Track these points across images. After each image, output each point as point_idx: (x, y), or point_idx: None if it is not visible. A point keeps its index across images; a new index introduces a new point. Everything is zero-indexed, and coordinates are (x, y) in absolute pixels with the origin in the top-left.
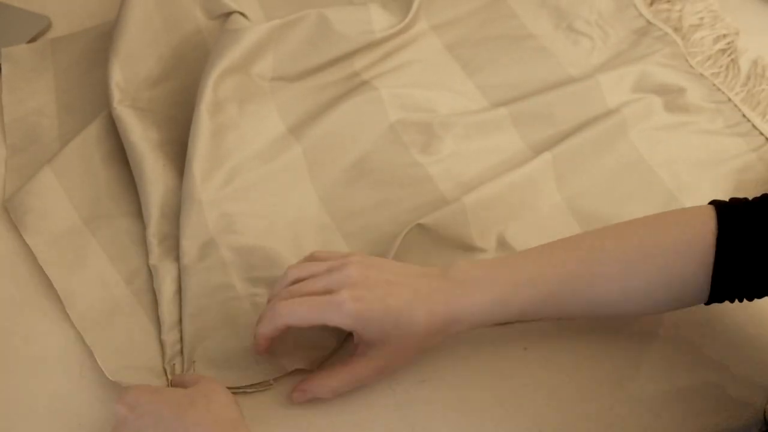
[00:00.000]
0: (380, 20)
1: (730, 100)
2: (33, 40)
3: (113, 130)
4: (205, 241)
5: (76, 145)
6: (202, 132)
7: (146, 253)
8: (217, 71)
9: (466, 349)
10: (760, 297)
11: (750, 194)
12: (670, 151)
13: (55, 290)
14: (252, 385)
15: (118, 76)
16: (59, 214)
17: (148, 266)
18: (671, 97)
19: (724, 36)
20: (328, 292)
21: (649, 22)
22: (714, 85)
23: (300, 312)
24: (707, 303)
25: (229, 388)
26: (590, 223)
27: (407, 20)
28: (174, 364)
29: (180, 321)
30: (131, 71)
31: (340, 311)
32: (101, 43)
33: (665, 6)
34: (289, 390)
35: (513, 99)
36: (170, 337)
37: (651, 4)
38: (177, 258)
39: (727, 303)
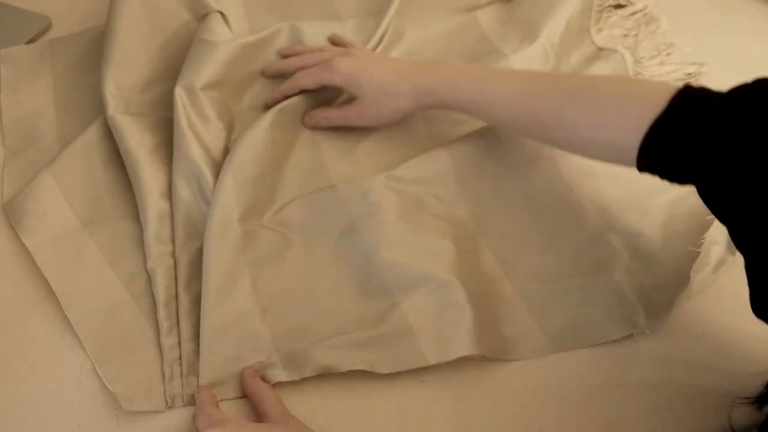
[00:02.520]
0: (353, 37)
1: None
2: (33, 40)
3: (112, 133)
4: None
5: (75, 148)
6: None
7: (144, 256)
8: (197, 85)
9: None
10: (678, 182)
11: (681, 228)
12: (600, 184)
13: (55, 292)
14: None
15: (111, 84)
16: (57, 216)
17: (146, 269)
18: None
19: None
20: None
21: (599, 49)
22: None
23: (303, 77)
24: (639, 170)
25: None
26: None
27: (376, 38)
28: (172, 367)
29: (178, 323)
30: (123, 77)
31: (332, 71)
32: (99, 44)
33: (619, 32)
34: (285, 395)
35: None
36: (169, 340)
37: (600, 29)
38: (175, 262)
39: (733, 296)
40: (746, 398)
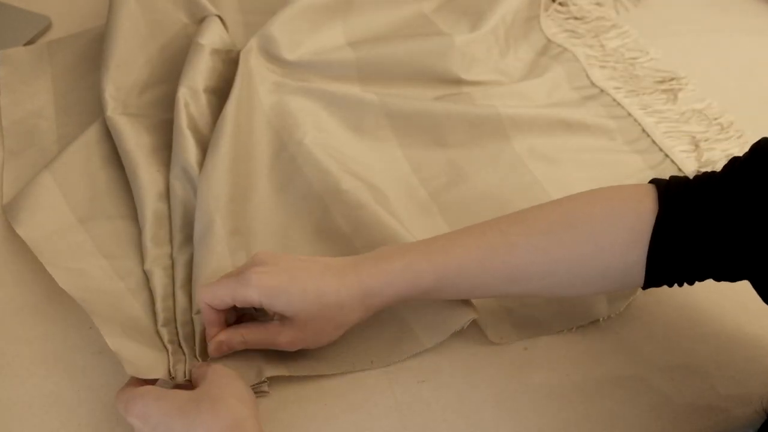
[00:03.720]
0: (314, 41)
1: (629, 114)
2: (33, 40)
3: (111, 133)
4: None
5: (74, 148)
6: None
7: (141, 256)
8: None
9: (465, 350)
10: (692, 282)
11: None
12: (565, 173)
13: (56, 292)
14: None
15: (110, 85)
16: (56, 215)
17: (143, 270)
18: (568, 116)
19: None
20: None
21: (549, 40)
22: (614, 100)
23: (214, 292)
24: (645, 287)
25: None
26: None
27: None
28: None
29: (175, 319)
30: (122, 79)
31: (247, 285)
32: (98, 45)
33: (572, 22)
34: (285, 395)
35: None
36: (165, 332)
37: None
38: (172, 263)
39: (734, 294)
40: None
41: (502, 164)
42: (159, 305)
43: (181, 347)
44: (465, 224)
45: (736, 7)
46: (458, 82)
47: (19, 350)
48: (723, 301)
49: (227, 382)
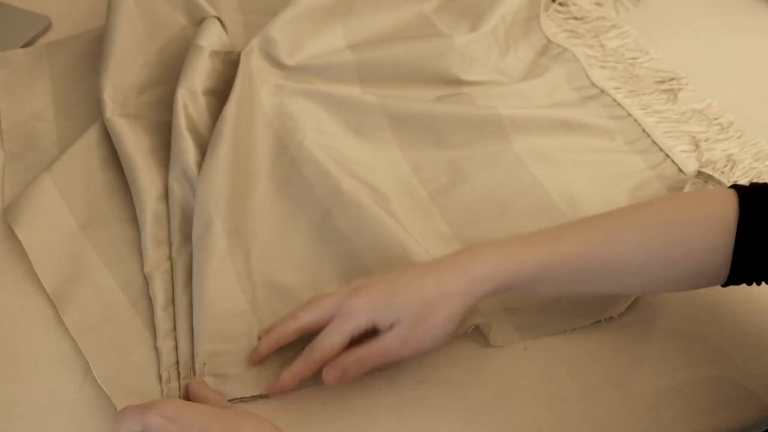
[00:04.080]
0: (314, 44)
1: (630, 115)
2: (33, 40)
3: (110, 135)
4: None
5: (74, 150)
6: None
7: (142, 259)
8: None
9: (466, 350)
10: None
11: None
12: (566, 173)
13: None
14: (251, 396)
15: (108, 87)
16: (56, 219)
17: (143, 273)
18: (568, 116)
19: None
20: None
21: (549, 40)
22: (614, 100)
23: (330, 342)
24: (725, 285)
25: (229, 400)
26: None
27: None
28: (169, 371)
29: (174, 329)
30: (120, 80)
31: (352, 314)
32: (97, 46)
33: (572, 22)
34: (286, 396)
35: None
36: (166, 345)
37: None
38: (171, 264)
39: (734, 293)
40: None
41: (503, 165)
42: (159, 316)
43: (177, 364)
44: (466, 225)
45: (736, 7)
46: (458, 82)
47: (20, 350)
48: (723, 301)
49: (257, 416)
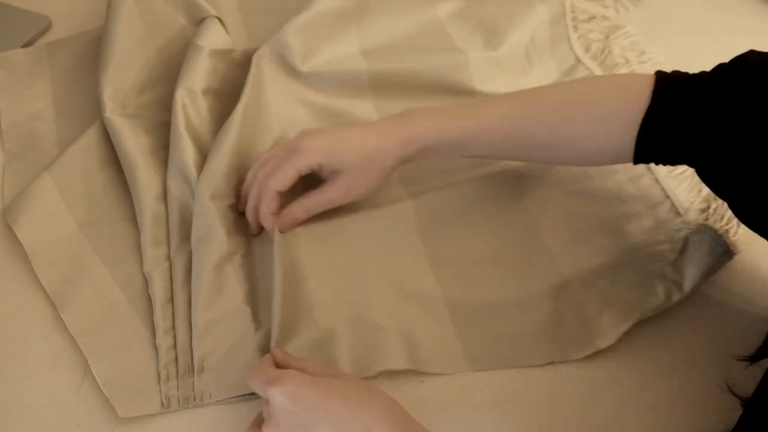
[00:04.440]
0: (329, 49)
1: None
2: (33, 40)
3: (109, 135)
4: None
5: (73, 150)
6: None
7: (141, 259)
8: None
9: None
10: (680, 164)
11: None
12: (563, 210)
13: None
14: (250, 394)
15: (108, 87)
16: (56, 219)
17: (143, 273)
18: None
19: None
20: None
21: (578, 60)
22: None
23: (280, 175)
24: (634, 163)
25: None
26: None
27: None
28: (168, 369)
29: (173, 327)
30: (120, 80)
31: (307, 153)
32: (96, 47)
33: (594, 37)
34: None
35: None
36: (165, 342)
37: (579, 35)
38: (170, 264)
39: (734, 293)
40: (744, 357)
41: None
42: (158, 314)
43: (176, 361)
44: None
45: (736, 7)
46: (473, 93)
47: (19, 350)
48: (723, 301)
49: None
